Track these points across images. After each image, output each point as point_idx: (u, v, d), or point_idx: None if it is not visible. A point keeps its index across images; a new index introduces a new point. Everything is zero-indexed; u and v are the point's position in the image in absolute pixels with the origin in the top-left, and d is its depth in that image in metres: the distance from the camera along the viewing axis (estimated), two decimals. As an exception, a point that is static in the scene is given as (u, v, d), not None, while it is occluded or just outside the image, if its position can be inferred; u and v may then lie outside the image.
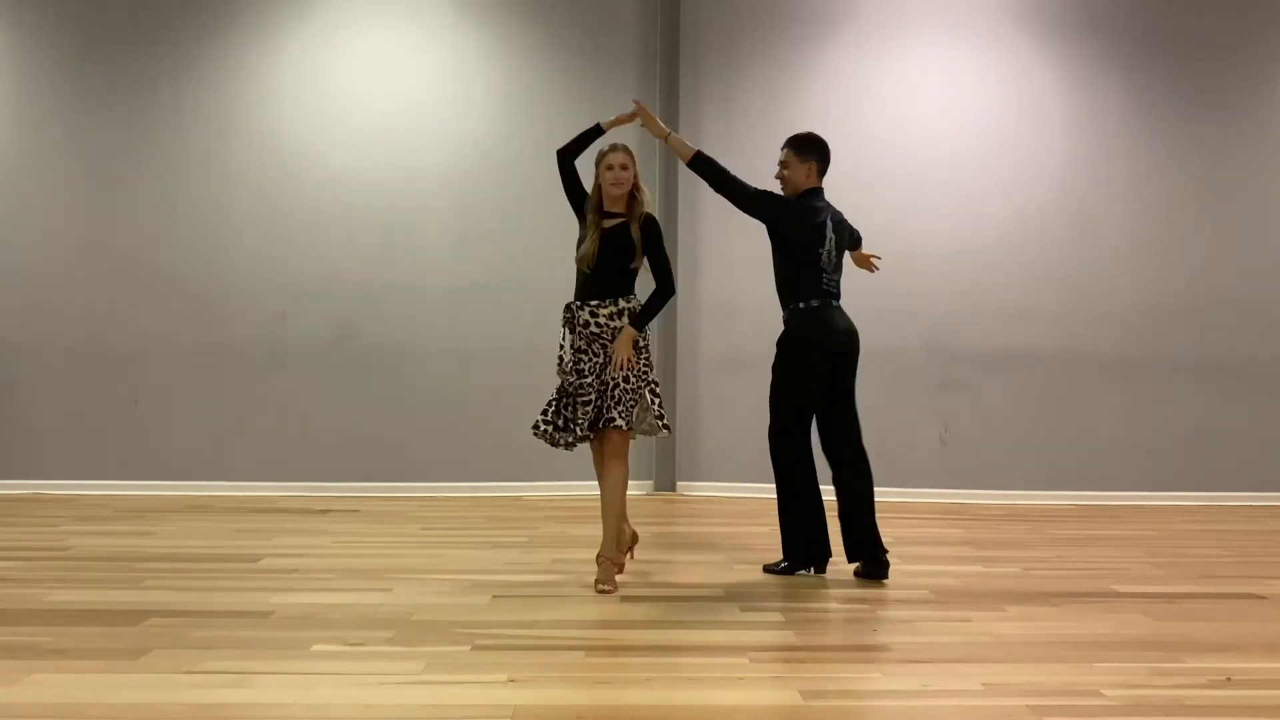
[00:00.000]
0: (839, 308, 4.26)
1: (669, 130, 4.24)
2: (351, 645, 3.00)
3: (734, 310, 6.70)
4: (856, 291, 6.79)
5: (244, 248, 6.61)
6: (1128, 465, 6.77)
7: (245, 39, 6.65)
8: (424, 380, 6.60)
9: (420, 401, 6.59)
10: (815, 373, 4.18)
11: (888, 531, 5.35)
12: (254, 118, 6.65)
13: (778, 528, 5.20)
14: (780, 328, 4.27)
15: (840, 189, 6.77)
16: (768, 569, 4.22)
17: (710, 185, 4.21)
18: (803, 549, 4.17)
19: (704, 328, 6.76)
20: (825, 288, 4.21)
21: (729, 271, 6.71)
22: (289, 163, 6.64)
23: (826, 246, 4.21)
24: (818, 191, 4.29)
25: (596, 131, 4.09)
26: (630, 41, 6.79)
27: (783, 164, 4.29)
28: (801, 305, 4.17)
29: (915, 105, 6.82)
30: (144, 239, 6.59)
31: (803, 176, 4.24)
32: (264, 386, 6.58)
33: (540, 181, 6.67)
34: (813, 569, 4.18)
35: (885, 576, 4.07)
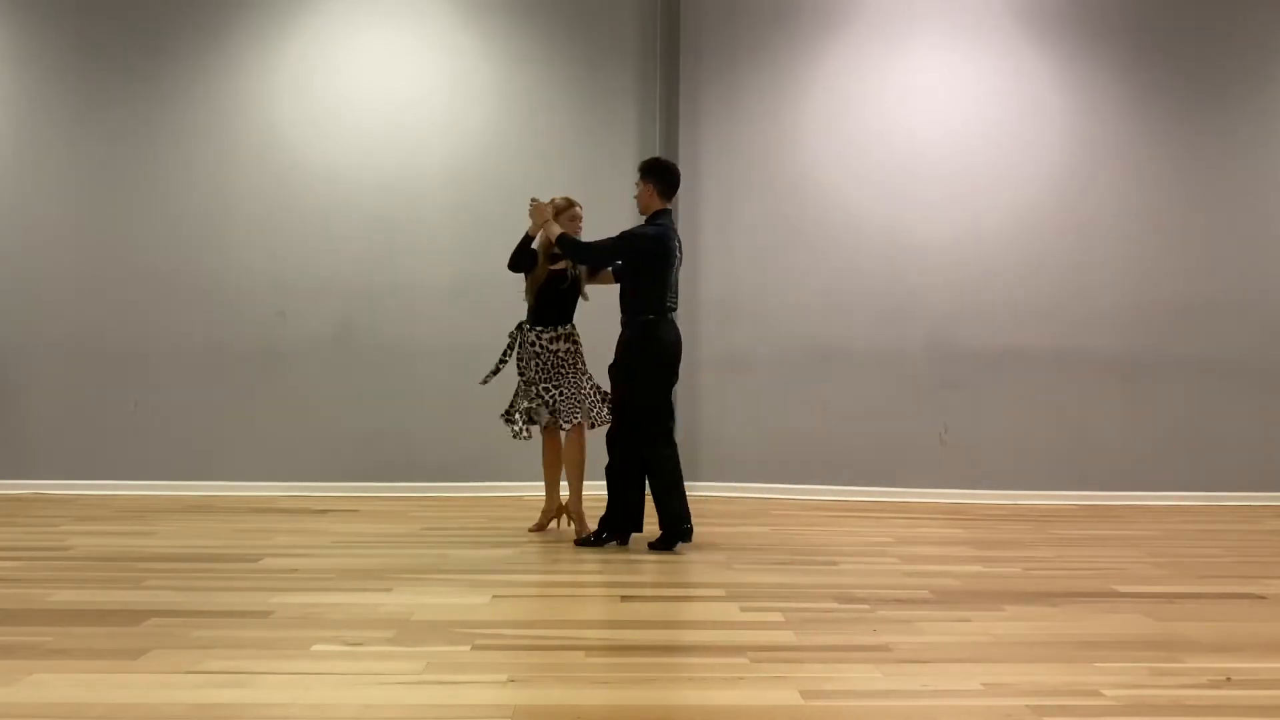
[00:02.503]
0: (674, 320, 4.76)
1: (546, 219, 4.78)
2: (351, 645, 3.01)
3: (734, 310, 6.71)
4: (857, 292, 6.83)
5: (243, 247, 6.60)
6: (1128, 465, 6.77)
7: (246, 38, 6.65)
8: (424, 379, 6.60)
9: (420, 401, 6.59)
10: (649, 376, 4.65)
11: (888, 531, 5.39)
12: (254, 117, 6.65)
13: (776, 527, 5.20)
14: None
15: (841, 188, 6.83)
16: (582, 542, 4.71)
17: (575, 259, 4.77)
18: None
19: (704, 328, 6.76)
20: (668, 305, 4.71)
21: (729, 272, 6.71)
22: (289, 162, 6.63)
23: (675, 267, 4.72)
24: (665, 212, 4.74)
25: (527, 239, 4.85)
26: (630, 42, 6.79)
27: (636, 184, 4.82)
28: (648, 318, 4.64)
29: (915, 105, 6.82)
30: (144, 238, 6.59)
31: (646, 197, 4.73)
32: (264, 386, 6.57)
33: (540, 180, 6.69)
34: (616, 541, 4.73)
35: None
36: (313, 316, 6.60)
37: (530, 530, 5.10)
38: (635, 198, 4.84)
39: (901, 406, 6.73)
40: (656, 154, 6.64)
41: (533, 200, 4.84)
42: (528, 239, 4.84)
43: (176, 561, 4.27)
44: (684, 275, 6.55)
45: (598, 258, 4.78)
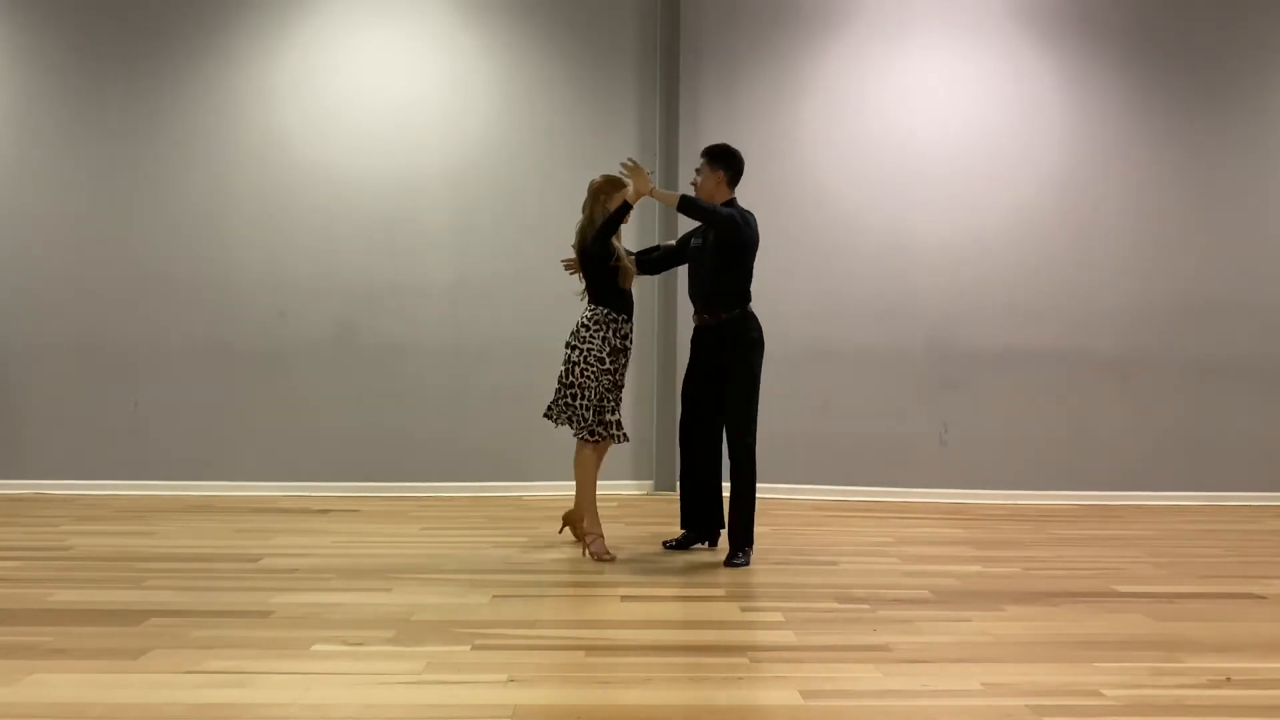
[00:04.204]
0: None
1: (652, 185, 4.34)
2: (351, 645, 3.01)
3: (734, 310, 6.69)
4: (857, 292, 6.83)
5: (243, 247, 6.60)
6: (1128, 465, 6.77)
7: (246, 37, 6.65)
8: (424, 379, 6.60)
9: (420, 401, 6.59)
10: (758, 368, 4.54)
11: (888, 531, 5.39)
12: (254, 116, 6.65)
13: (776, 527, 5.20)
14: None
15: (841, 188, 6.83)
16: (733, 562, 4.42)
17: (705, 221, 4.44)
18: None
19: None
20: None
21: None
22: (288, 161, 6.63)
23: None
24: (734, 201, 4.55)
25: (627, 208, 4.40)
26: (630, 40, 6.79)
27: (697, 171, 4.59)
28: (750, 307, 4.51)
29: (915, 105, 6.82)
30: (144, 239, 6.59)
31: (713, 185, 4.51)
32: (264, 386, 6.57)
33: (540, 179, 6.70)
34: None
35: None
36: (313, 316, 6.60)
37: (606, 558, 4.41)
38: (696, 185, 4.54)
39: (901, 406, 6.73)
40: (655, 152, 6.66)
41: (631, 161, 4.28)
42: (627, 209, 4.34)
43: (176, 561, 4.27)
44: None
45: (727, 226, 4.32)
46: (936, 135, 6.81)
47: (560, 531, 4.84)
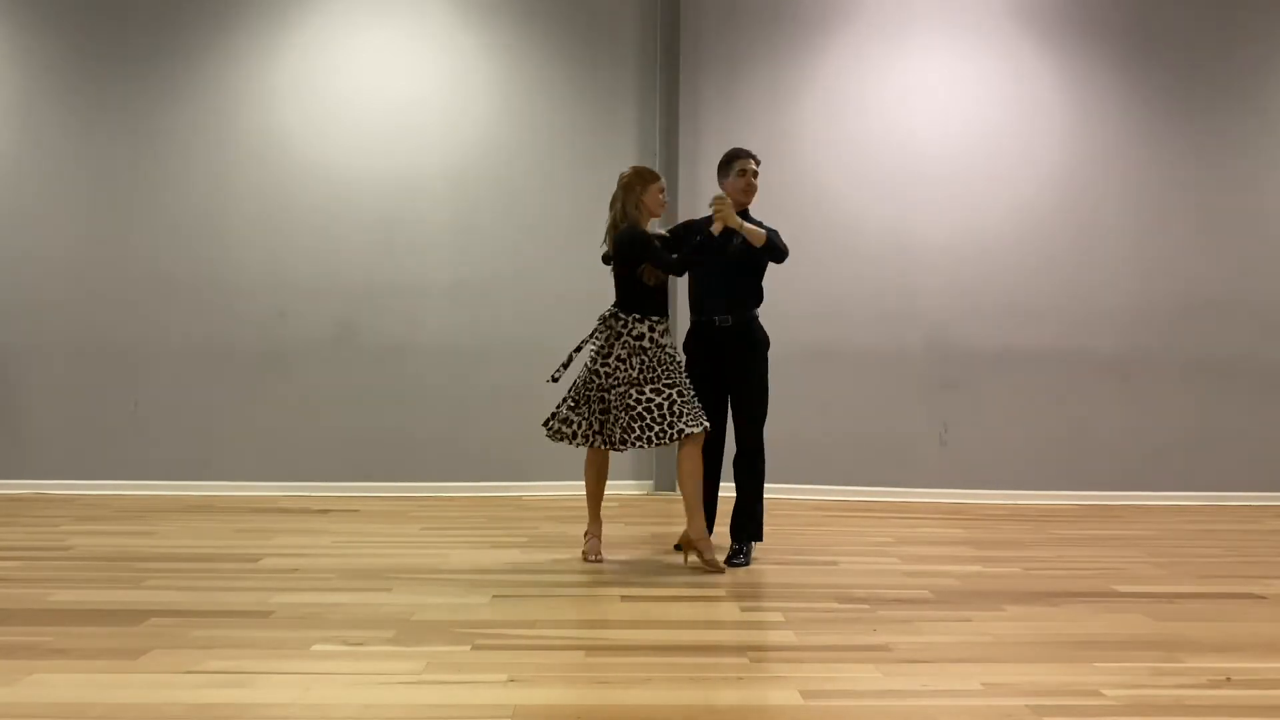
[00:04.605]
0: None
1: (740, 220, 4.31)
2: (351, 645, 3.01)
3: (734, 310, 6.68)
4: (857, 292, 6.83)
5: (243, 247, 6.60)
6: (1128, 465, 6.77)
7: (246, 37, 6.65)
8: (424, 379, 6.61)
9: (421, 401, 6.59)
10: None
11: (888, 531, 5.39)
12: (254, 116, 6.65)
13: (776, 527, 5.20)
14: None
15: (841, 189, 6.83)
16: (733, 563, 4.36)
17: (775, 259, 4.47)
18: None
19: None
20: None
21: (729, 271, 6.70)
22: (288, 161, 6.63)
23: None
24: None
25: (712, 238, 4.35)
26: (630, 41, 6.79)
27: (755, 175, 4.57)
28: (755, 314, 4.57)
29: (915, 105, 6.82)
30: (144, 238, 6.59)
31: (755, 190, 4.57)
32: (264, 386, 6.57)
33: (540, 179, 6.70)
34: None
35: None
36: (313, 316, 6.60)
37: (592, 559, 4.35)
38: (753, 187, 4.51)
39: (901, 406, 6.73)
40: (655, 153, 6.65)
41: (724, 199, 4.28)
42: (711, 238, 4.29)
43: (176, 561, 4.27)
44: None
45: (785, 256, 4.46)
46: (936, 135, 6.81)
47: (685, 562, 4.37)
